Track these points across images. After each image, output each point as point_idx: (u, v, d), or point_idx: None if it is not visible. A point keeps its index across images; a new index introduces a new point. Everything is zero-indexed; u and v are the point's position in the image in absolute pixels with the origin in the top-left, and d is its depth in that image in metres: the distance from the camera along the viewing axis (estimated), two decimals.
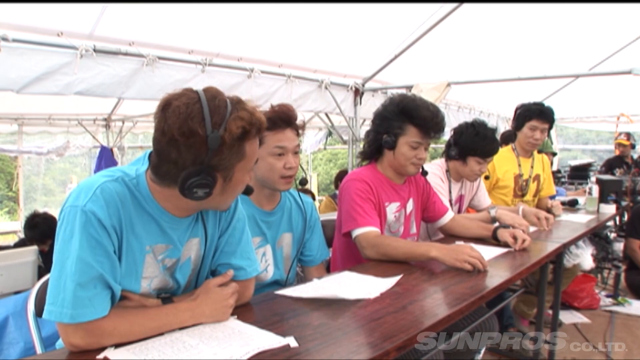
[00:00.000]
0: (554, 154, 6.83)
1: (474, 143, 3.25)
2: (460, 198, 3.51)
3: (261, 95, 4.45)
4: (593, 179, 4.94)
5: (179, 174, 1.62)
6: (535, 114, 3.99)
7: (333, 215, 2.90)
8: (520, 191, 4.17)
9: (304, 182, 2.44)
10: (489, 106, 8.29)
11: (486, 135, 3.25)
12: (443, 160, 3.43)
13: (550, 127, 4.05)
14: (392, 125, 2.61)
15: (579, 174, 7.88)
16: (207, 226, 1.87)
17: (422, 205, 2.89)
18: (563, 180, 7.81)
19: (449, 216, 2.97)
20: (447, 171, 3.39)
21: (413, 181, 2.87)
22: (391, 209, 2.68)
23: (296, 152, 2.28)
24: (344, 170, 6.94)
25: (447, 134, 4.26)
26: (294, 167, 2.29)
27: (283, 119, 2.26)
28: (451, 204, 3.38)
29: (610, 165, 7.48)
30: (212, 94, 1.63)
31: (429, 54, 5.63)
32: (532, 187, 4.23)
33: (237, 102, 1.65)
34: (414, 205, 2.82)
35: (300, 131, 2.33)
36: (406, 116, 2.58)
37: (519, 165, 4.14)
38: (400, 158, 2.64)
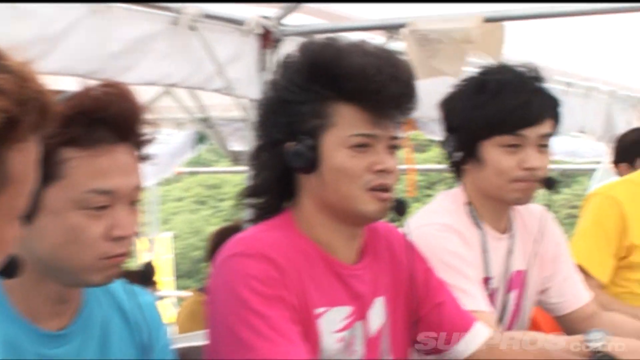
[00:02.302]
0: None
1: (480, 108, 2.36)
2: (518, 280, 2.51)
3: (30, 41, 2.97)
4: None
5: None
6: None
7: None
8: None
9: (143, 273, 2.18)
10: (594, 73, 6.24)
11: (500, 83, 2.37)
12: (458, 189, 2.52)
13: None
14: (300, 114, 1.92)
15: None
16: None
17: (411, 311, 2.12)
18: None
19: (478, 337, 2.11)
20: (468, 205, 2.43)
21: (384, 249, 2.09)
22: (331, 323, 1.95)
23: (133, 200, 1.65)
24: (234, 226, 4.99)
25: None
26: (129, 239, 1.67)
27: (111, 121, 1.61)
28: (491, 299, 2.41)
29: None
30: None
31: None
32: None
33: None
34: (389, 313, 2.06)
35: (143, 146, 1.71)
36: (322, 82, 1.90)
37: None
38: (336, 183, 1.91)
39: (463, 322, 2.16)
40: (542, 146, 2.31)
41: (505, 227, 2.48)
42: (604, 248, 3.06)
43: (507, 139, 2.33)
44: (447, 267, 2.26)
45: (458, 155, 2.43)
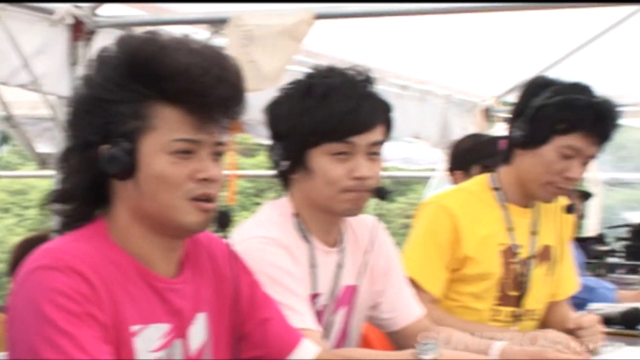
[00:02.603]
0: (585, 196, 5.29)
1: (307, 113, 2.36)
2: (348, 295, 2.53)
3: None
4: None
5: None
6: (584, 120, 2.85)
7: None
8: (514, 289, 3.09)
9: None
10: (430, 77, 6.33)
11: (328, 87, 2.36)
12: (285, 199, 2.50)
13: (602, 146, 2.97)
14: (116, 115, 1.87)
15: None
16: None
17: (235, 327, 2.11)
18: (612, 261, 5.33)
19: (305, 355, 2.15)
20: (295, 217, 2.43)
21: (206, 261, 2.09)
22: (147, 341, 1.92)
23: None
24: (40, 236, 4.65)
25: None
26: None
27: None
28: (320, 316, 2.41)
29: None
30: None
31: None
32: (538, 276, 3.15)
33: None
34: (212, 330, 2.05)
35: None
36: (142, 80, 1.85)
37: (509, 228, 3.08)
38: (155, 191, 1.88)
39: (290, 340, 2.15)
40: (372, 154, 2.30)
41: (335, 240, 2.45)
42: (436, 260, 3.01)
43: (336, 146, 2.33)
44: (273, 283, 2.24)
45: (285, 164, 2.41)
